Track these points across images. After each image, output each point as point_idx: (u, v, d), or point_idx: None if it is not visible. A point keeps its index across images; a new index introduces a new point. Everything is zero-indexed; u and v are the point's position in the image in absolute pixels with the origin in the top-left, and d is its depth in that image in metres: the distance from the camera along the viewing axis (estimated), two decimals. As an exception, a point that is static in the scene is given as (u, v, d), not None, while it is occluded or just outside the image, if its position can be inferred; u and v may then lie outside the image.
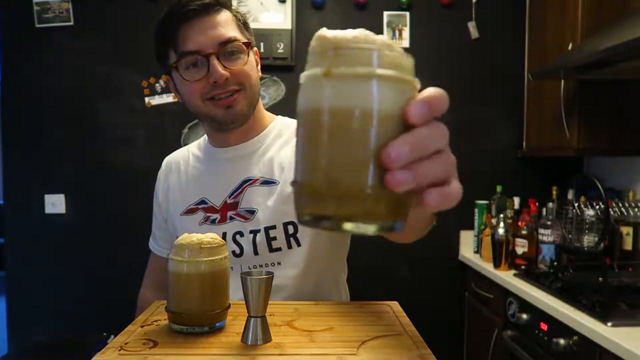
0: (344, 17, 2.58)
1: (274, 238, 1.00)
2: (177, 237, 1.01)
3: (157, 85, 2.55)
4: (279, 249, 1.01)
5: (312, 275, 1.03)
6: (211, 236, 0.82)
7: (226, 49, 0.94)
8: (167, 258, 1.07)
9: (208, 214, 1.03)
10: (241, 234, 1.01)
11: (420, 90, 0.41)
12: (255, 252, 1.00)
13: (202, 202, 1.05)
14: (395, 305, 0.96)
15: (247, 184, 1.03)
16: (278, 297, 0.98)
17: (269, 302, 0.77)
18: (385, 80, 0.38)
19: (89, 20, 2.52)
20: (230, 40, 0.94)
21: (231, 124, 1.00)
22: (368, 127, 0.37)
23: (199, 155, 1.11)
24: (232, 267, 0.98)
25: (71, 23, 2.51)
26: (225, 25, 0.95)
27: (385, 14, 2.58)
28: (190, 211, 1.05)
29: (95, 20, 2.53)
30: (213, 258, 0.80)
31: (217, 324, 0.81)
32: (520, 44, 2.60)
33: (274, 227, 1.00)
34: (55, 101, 2.54)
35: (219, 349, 0.74)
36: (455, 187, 0.46)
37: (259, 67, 1.03)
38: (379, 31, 2.57)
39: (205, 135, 1.13)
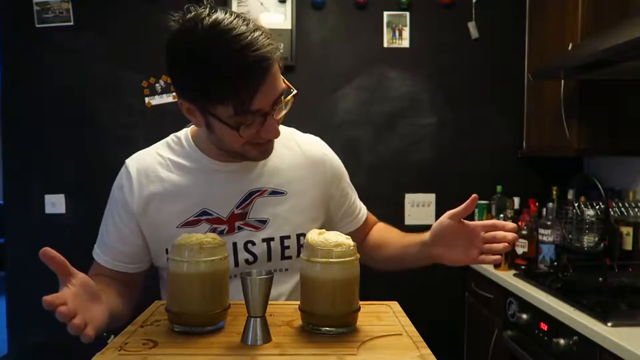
0: (344, 17, 2.58)
1: (288, 247, 1.04)
2: (165, 251, 1.00)
3: (157, 85, 2.55)
4: (290, 257, 1.05)
5: None
6: (211, 236, 0.82)
7: (279, 105, 0.90)
8: (117, 271, 1.03)
9: (214, 225, 1.01)
10: (253, 243, 1.02)
11: None
12: (269, 259, 1.04)
13: (205, 213, 1.00)
14: (395, 305, 0.96)
15: (256, 194, 1.03)
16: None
17: (269, 302, 0.78)
18: (329, 264, 0.78)
19: (89, 20, 2.52)
20: (282, 94, 0.90)
21: (258, 160, 1.02)
22: (327, 285, 0.78)
23: (184, 164, 1.03)
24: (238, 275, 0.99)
25: (71, 23, 2.51)
26: (278, 76, 0.88)
27: (385, 14, 2.58)
28: (191, 223, 1.00)
29: (95, 20, 2.53)
30: (213, 258, 0.80)
31: (217, 324, 0.81)
32: (520, 44, 2.60)
33: (288, 237, 1.04)
34: (55, 101, 2.54)
35: (219, 349, 0.74)
36: None
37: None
38: (379, 31, 2.58)
39: (185, 139, 1.07)
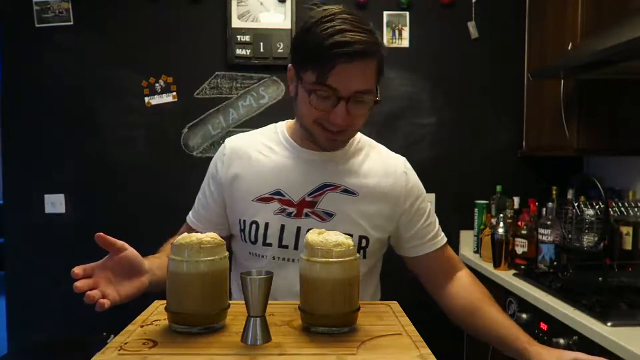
0: (344, 17, 2.57)
1: None
2: (238, 221, 1.14)
3: (157, 85, 2.55)
4: None
5: (364, 288, 1.11)
6: (211, 236, 0.82)
7: (357, 98, 0.99)
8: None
9: (284, 207, 1.09)
10: None
11: None
12: None
13: (278, 193, 1.10)
14: (395, 305, 0.96)
15: (329, 188, 1.10)
16: None
17: (269, 302, 0.78)
18: (328, 264, 0.78)
19: (89, 20, 2.52)
20: (365, 93, 0.99)
21: (326, 150, 1.10)
22: (327, 285, 0.78)
23: (274, 148, 1.15)
24: (298, 260, 1.06)
25: (71, 23, 2.51)
26: (367, 74, 0.99)
27: (385, 14, 2.58)
28: (264, 199, 1.10)
29: (95, 20, 2.53)
30: (213, 258, 0.80)
31: (217, 324, 0.81)
32: (520, 44, 2.60)
33: (351, 235, 1.06)
34: (55, 101, 2.54)
35: (219, 349, 0.74)
36: None
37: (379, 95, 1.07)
38: (379, 31, 2.56)
39: (280, 128, 1.19)
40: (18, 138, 2.56)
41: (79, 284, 0.83)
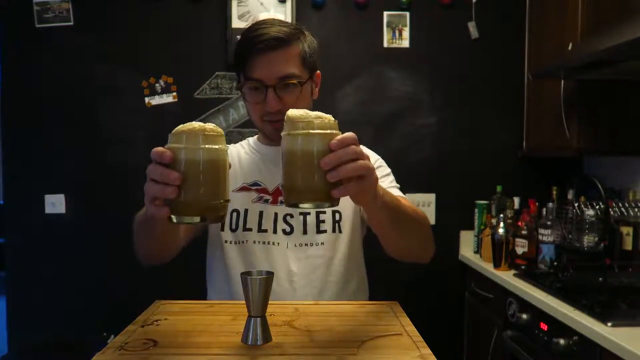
0: (344, 17, 2.58)
1: (323, 221, 1.18)
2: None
3: (157, 85, 2.55)
4: (325, 231, 1.17)
5: (347, 262, 1.18)
6: (211, 126, 0.77)
7: (283, 83, 1.08)
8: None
9: (261, 194, 1.19)
10: (291, 216, 1.17)
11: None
12: (305, 232, 1.17)
13: (256, 184, 1.21)
14: (395, 305, 0.96)
15: None
16: (314, 275, 1.14)
17: (269, 302, 0.78)
18: (309, 135, 0.74)
19: (89, 20, 2.52)
20: (288, 77, 1.08)
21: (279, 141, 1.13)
22: (308, 157, 0.73)
23: (249, 152, 1.27)
24: (278, 243, 1.16)
25: (71, 23, 2.51)
26: (287, 61, 1.08)
27: (385, 14, 2.58)
28: (244, 189, 1.20)
29: (95, 20, 2.53)
30: (212, 146, 0.75)
31: (219, 213, 0.78)
32: (520, 44, 2.60)
33: (324, 212, 1.18)
34: (55, 101, 2.54)
35: (219, 349, 0.74)
36: (367, 181, 0.77)
37: (318, 88, 1.20)
38: (379, 31, 2.58)
39: (251, 139, 1.31)
40: (18, 138, 2.56)
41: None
